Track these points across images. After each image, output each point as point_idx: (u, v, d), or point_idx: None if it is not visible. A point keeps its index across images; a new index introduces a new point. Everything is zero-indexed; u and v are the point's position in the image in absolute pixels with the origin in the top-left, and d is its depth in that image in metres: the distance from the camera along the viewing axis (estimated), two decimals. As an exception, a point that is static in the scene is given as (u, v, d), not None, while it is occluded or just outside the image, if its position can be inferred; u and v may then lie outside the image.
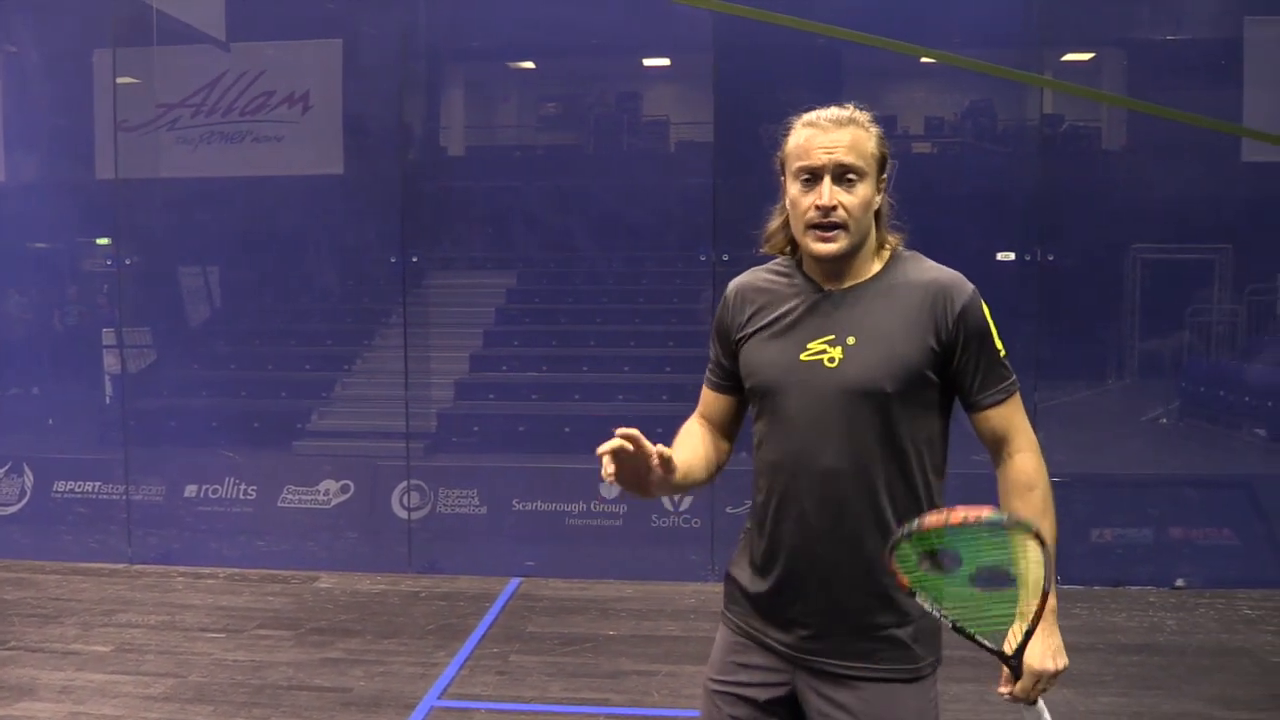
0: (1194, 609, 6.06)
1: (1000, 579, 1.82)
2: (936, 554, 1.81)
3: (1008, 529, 1.79)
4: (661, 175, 8.85)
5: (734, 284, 2.16)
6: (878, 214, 2.06)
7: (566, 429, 7.87)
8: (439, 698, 4.76)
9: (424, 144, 8.77)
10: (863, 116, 2.02)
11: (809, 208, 1.97)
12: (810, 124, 2.00)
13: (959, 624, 1.84)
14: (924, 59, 7.50)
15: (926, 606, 1.84)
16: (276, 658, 5.24)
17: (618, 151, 9.28)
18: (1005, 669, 1.89)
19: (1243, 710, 4.62)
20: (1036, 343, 6.62)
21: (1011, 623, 1.84)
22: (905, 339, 1.95)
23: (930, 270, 2.04)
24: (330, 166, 7.82)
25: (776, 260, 2.15)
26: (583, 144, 9.64)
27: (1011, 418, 2.00)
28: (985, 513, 1.78)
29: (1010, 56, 7.23)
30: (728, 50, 7.02)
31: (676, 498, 6.86)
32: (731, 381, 2.16)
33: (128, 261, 7.57)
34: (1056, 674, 1.89)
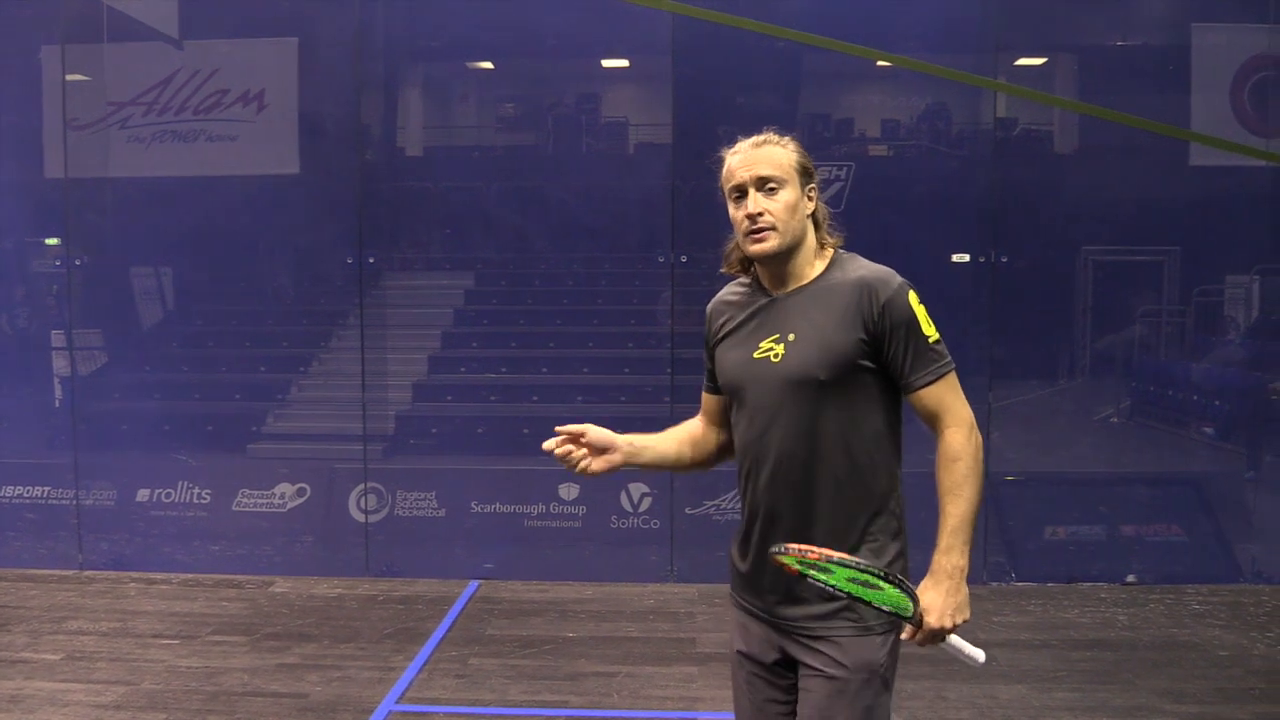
0: (1145, 604, 6.18)
1: (872, 586, 2.12)
2: (806, 576, 2.11)
3: (868, 574, 2.10)
4: (620, 176, 8.84)
5: (711, 302, 2.51)
6: (816, 220, 2.35)
7: (525, 430, 7.84)
8: (397, 702, 4.73)
9: (381, 144, 8.69)
10: (778, 138, 2.33)
11: (742, 219, 2.29)
12: (734, 152, 2.34)
13: (855, 596, 2.11)
14: (880, 63, 7.56)
15: (819, 585, 2.10)
16: (231, 664, 5.18)
17: (576, 152, 9.25)
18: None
19: (1192, 703, 4.71)
20: (990, 343, 6.71)
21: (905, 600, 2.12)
22: (836, 332, 2.22)
23: (860, 269, 2.30)
24: (285, 166, 7.74)
25: (742, 277, 2.47)
26: (541, 145, 9.60)
27: (943, 397, 2.22)
28: (848, 558, 2.10)
29: (965, 61, 7.32)
30: (687, 52, 7.04)
31: (635, 498, 6.88)
32: (715, 382, 2.49)
33: (77, 262, 7.44)
34: (942, 632, 2.15)
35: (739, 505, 2.46)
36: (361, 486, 7.07)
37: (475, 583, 6.63)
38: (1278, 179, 7.14)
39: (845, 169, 7.31)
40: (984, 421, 7.09)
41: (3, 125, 7.91)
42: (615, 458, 2.40)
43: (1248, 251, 7.47)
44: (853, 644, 2.25)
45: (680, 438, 2.55)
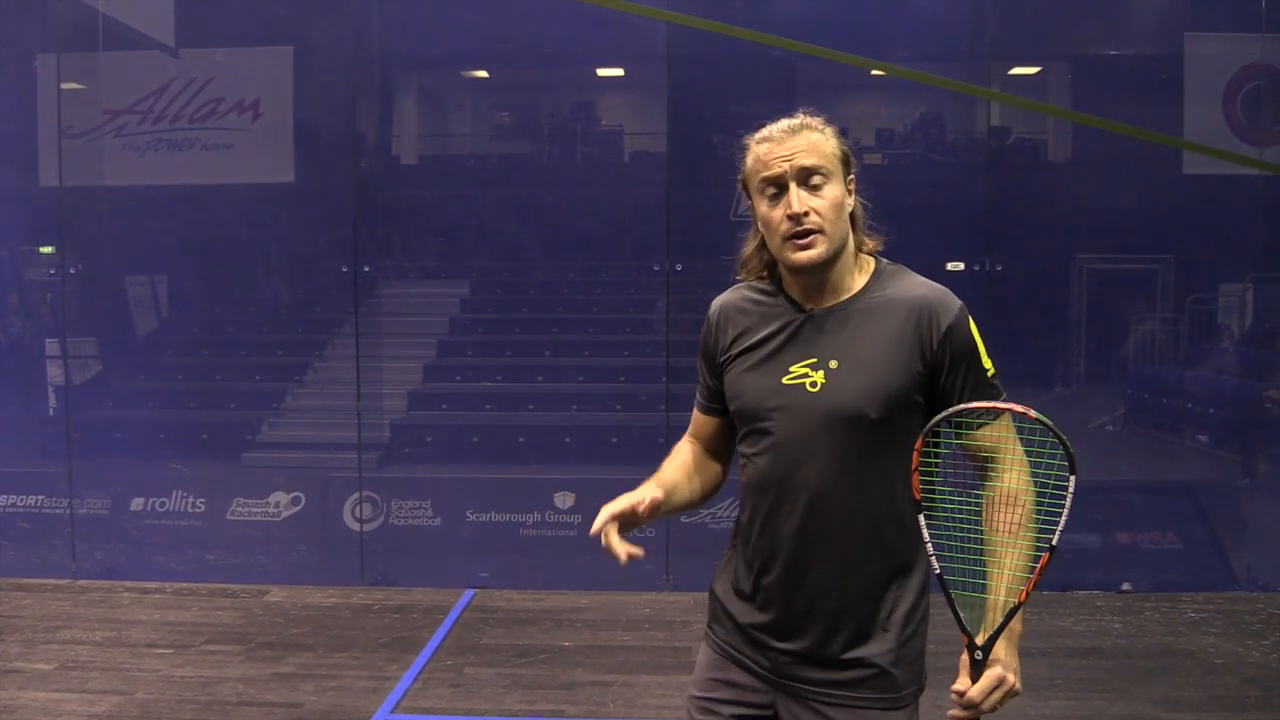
0: (1140, 612, 6.18)
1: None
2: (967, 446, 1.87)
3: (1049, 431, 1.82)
4: (615, 185, 8.86)
5: (716, 304, 2.14)
6: (853, 218, 2.01)
7: (521, 439, 7.84)
8: (392, 712, 4.72)
9: (376, 152, 8.69)
10: (815, 120, 1.99)
11: (781, 219, 1.92)
12: (764, 138, 1.98)
13: (943, 573, 1.85)
14: (875, 72, 7.59)
15: (924, 532, 1.85)
16: (225, 673, 5.16)
17: (572, 161, 9.26)
18: (966, 660, 1.85)
19: (1188, 712, 4.71)
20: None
21: (985, 611, 1.84)
22: (889, 362, 1.91)
23: (916, 287, 1.99)
24: (281, 175, 7.73)
25: (758, 279, 2.12)
26: (536, 153, 9.61)
27: (1003, 437, 1.92)
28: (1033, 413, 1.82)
29: (959, 70, 7.35)
30: (681, 61, 7.06)
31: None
32: (718, 403, 2.14)
33: (72, 270, 7.43)
34: (1013, 692, 1.85)
35: (732, 537, 2.19)
36: (356, 495, 7.05)
37: (470, 592, 6.61)
38: (1271, 187, 7.16)
39: (853, 166, 7.32)
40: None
41: (-2, 133, 7.91)
42: (647, 510, 2.01)
43: (1241, 260, 7.50)
44: (878, 718, 2.00)
45: (688, 472, 2.17)
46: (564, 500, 6.97)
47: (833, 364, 1.93)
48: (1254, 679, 5.13)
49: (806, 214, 1.90)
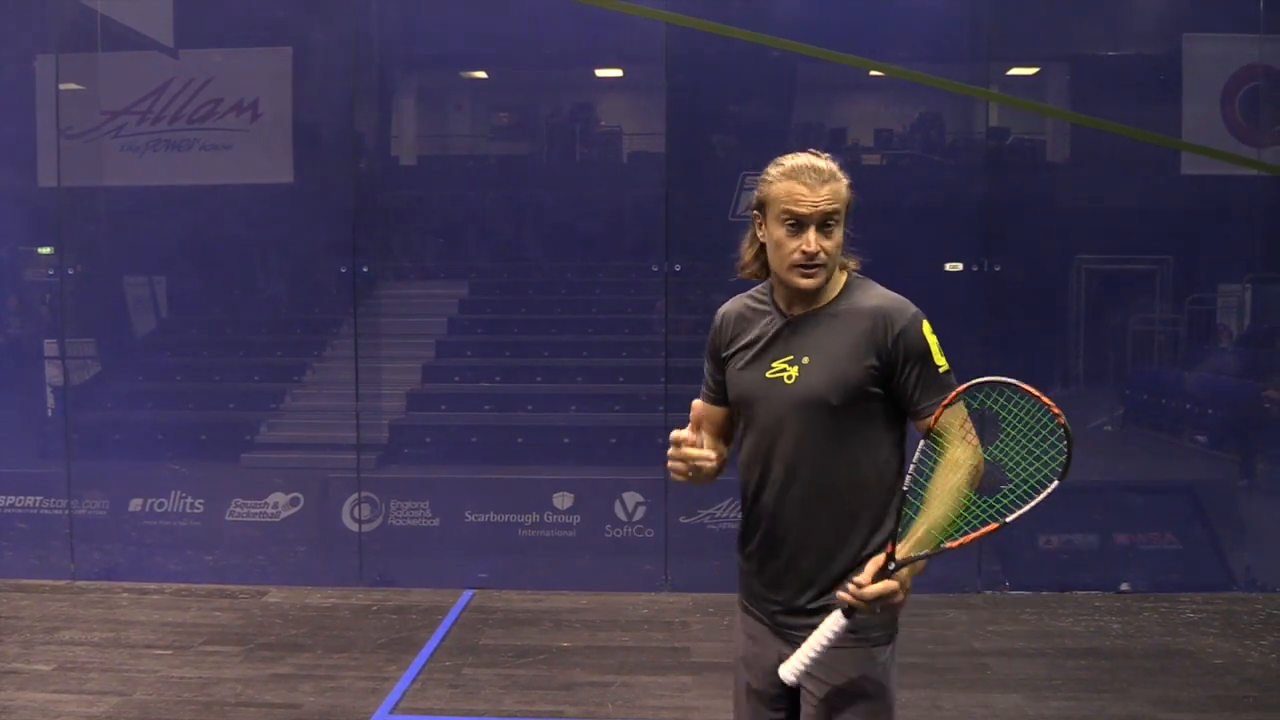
0: (1138, 613, 6.18)
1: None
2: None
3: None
4: (614, 185, 8.86)
5: (721, 311, 2.53)
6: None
7: (519, 440, 7.84)
8: (390, 712, 4.72)
9: (375, 153, 8.69)
10: (837, 169, 2.32)
11: (795, 250, 2.28)
12: (795, 177, 2.28)
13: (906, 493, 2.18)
14: (873, 72, 7.59)
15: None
16: (224, 674, 5.16)
17: (570, 162, 9.26)
18: (881, 560, 2.15)
19: (1186, 712, 4.71)
20: (983, 352, 6.72)
21: (910, 534, 2.17)
22: (849, 359, 2.28)
23: (876, 297, 2.34)
24: (280, 175, 7.74)
25: (756, 288, 2.49)
26: (535, 154, 9.61)
27: (953, 423, 2.24)
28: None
29: (958, 70, 7.35)
30: (680, 62, 7.06)
31: (630, 507, 6.87)
32: (722, 394, 2.50)
33: (71, 271, 7.43)
34: (895, 605, 2.16)
35: (738, 513, 2.48)
36: (355, 496, 7.05)
37: (469, 592, 6.62)
38: (1269, 188, 7.17)
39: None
40: (977, 431, 7.08)
41: (-4, 134, 7.91)
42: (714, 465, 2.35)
43: (1240, 260, 7.51)
44: (852, 656, 2.28)
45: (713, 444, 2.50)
46: (562, 501, 6.97)
47: (805, 360, 2.31)
48: (1253, 679, 5.14)
49: (818, 254, 2.27)
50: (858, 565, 2.24)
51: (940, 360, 2.28)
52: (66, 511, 7.04)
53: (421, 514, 7.07)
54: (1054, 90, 8.57)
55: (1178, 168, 7.24)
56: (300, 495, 7.13)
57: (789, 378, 2.31)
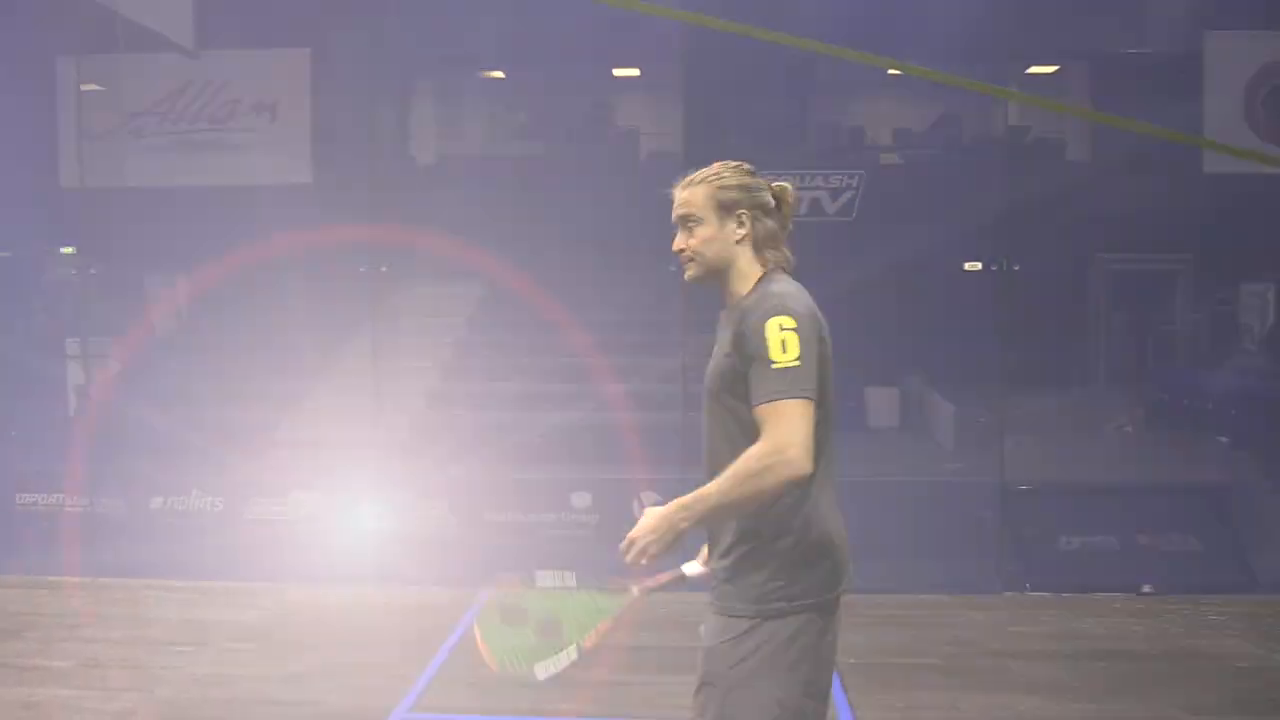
0: (1161, 615, 6.13)
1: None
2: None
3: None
4: (631, 185, 8.86)
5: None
6: (755, 241, 2.53)
7: (538, 439, 7.85)
8: (410, 710, 4.73)
9: (393, 153, 8.73)
10: (704, 175, 2.53)
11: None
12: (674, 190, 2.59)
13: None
14: (892, 71, 7.56)
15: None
16: (245, 671, 5.18)
17: (588, 161, 9.27)
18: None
19: (1210, 716, 4.67)
20: (1003, 351, 6.68)
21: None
22: (722, 352, 2.49)
23: (756, 293, 2.49)
24: (298, 175, 7.78)
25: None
26: (553, 154, 9.63)
27: (767, 418, 2.34)
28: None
29: (977, 69, 7.31)
30: (697, 61, 7.05)
31: (646, 504, 6.85)
32: None
33: (92, 271, 7.49)
34: (636, 543, 2.57)
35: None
36: (374, 494, 7.07)
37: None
38: (1293, 187, 7.10)
39: (856, 178, 7.30)
40: (996, 430, 7.07)
41: (19, 135, 7.97)
42: None
43: (1263, 259, 7.44)
44: (718, 620, 2.64)
45: None
46: (581, 500, 6.97)
47: (714, 349, 2.54)
48: (1277, 683, 5.08)
49: (682, 250, 2.55)
50: (737, 542, 2.52)
51: (776, 356, 2.35)
52: (88, 509, 7.08)
53: (440, 512, 7.09)
54: (1074, 89, 8.52)
55: (1199, 166, 7.18)
56: (320, 493, 7.16)
57: (709, 366, 2.57)
